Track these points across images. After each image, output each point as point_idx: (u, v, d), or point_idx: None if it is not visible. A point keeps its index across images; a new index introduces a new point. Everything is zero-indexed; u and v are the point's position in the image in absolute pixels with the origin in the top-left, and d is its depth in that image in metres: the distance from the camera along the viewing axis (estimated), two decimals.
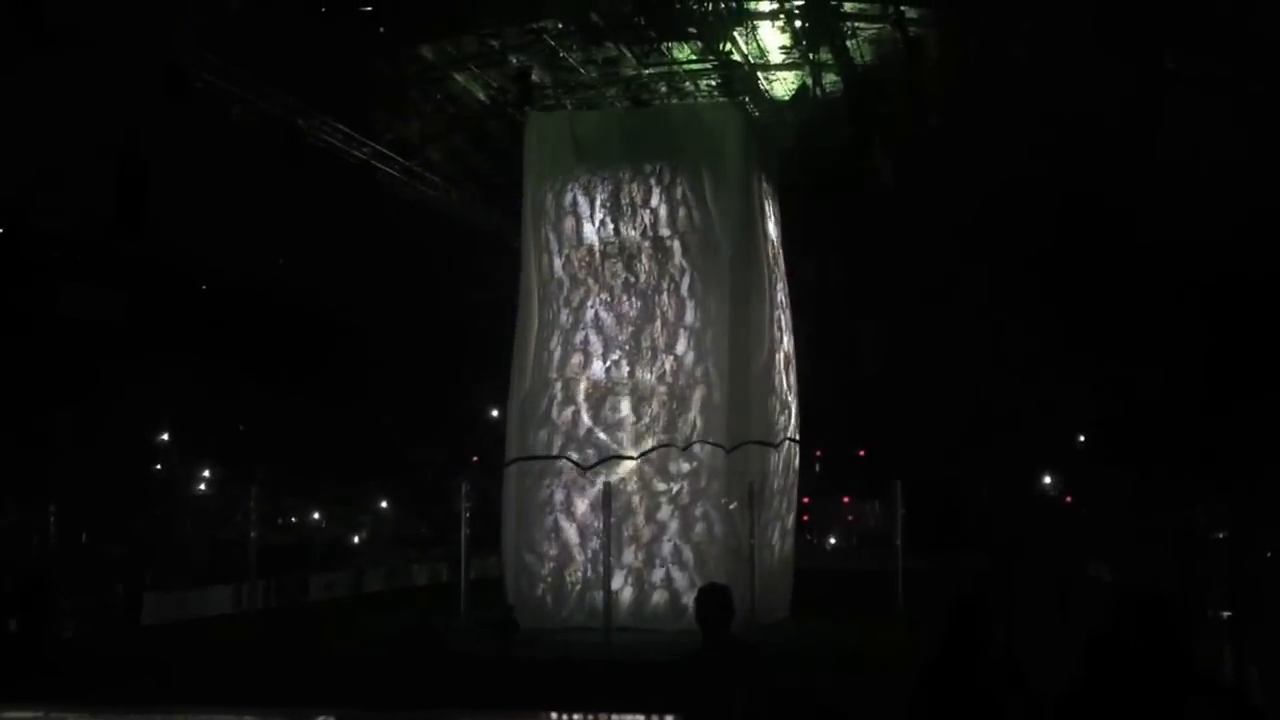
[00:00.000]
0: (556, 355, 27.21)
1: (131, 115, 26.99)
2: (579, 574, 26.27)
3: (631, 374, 26.83)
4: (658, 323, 26.85)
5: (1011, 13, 23.99)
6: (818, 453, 31.03)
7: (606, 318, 27.08)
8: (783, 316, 29.47)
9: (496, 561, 28.04)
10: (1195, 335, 33.86)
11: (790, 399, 29.46)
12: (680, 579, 25.84)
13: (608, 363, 26.97)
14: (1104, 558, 31.28)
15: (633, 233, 27.21)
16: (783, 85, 27.73)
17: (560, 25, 25.18)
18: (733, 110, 27.47)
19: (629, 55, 26.10)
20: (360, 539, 41.98)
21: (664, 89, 27.71)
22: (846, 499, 44.40)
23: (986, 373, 36.74)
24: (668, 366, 26.77)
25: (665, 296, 26.81)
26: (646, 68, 26.68)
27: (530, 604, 25.80)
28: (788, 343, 29.77)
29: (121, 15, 23.82)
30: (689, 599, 25.51)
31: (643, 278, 26.97)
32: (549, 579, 26.40)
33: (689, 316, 26.77)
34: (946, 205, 31.35)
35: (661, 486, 26.27)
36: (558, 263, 27.58)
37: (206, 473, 40.19)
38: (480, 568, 31.58)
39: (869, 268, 35.16)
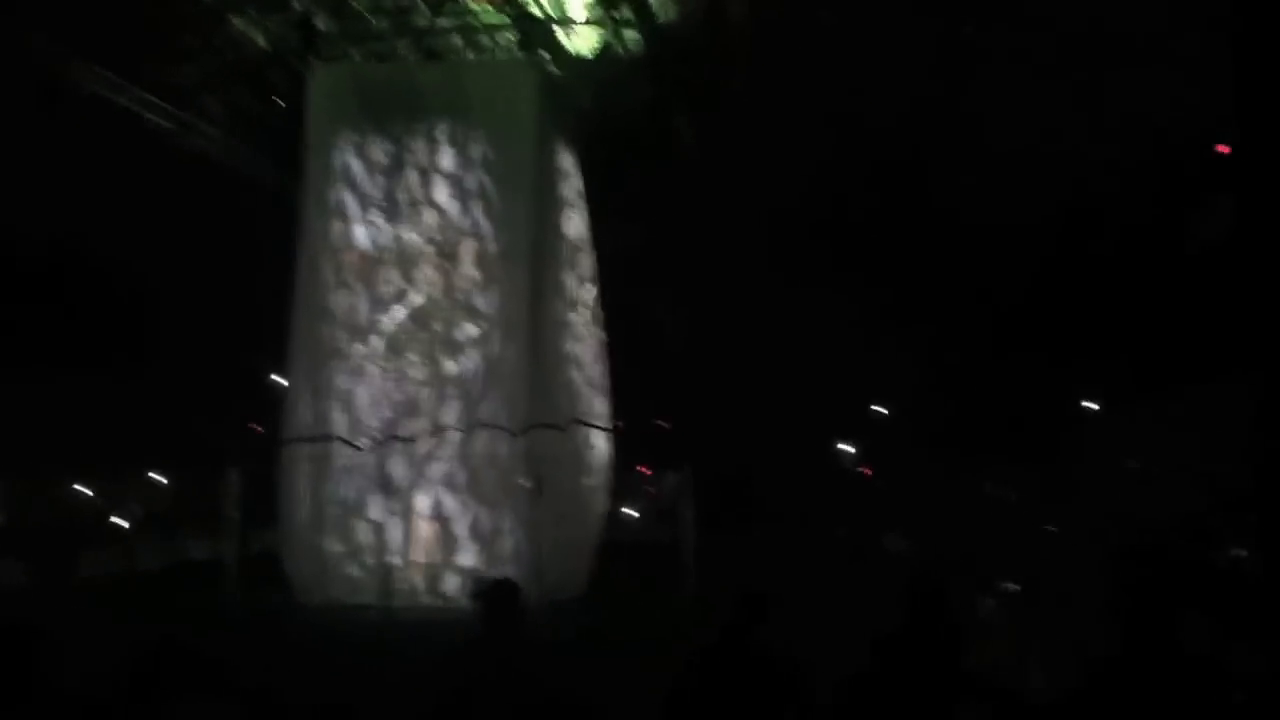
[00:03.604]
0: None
1: None
2: (360, 543, 25.13)
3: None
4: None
5: None
6: (618, 425, 30.32)
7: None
8: (583, 288, 28.54)
9: (275, 535, 26.65)
10: (994, 309, 34.51)
11: (599, 381, 28.69)
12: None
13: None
14: (899, 530, 31.55)
15: (420, 201, 25.96)
16: (584, 42, 26.87)
17: None
18: (530, 68, 26.24)
19: (421, 5, 24.92)
20: (134, 513, 40.02)
21: (459, 43, 26.52)
22: (645, 470, 44.20)
23: (787, 344, 36.74)
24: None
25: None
26: (440, 18, 25.52)
27: (310, 579, 24.65)
28: (593, 316, 28.91)
29: None
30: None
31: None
32: (330, 551, 25.14)
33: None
34: (750, 172, 31.06)
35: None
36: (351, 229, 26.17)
37: None
38: (261, 541, 30.27)
39: (671, 235, 34.65)
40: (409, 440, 24.99)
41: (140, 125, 28.00)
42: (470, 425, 24.82)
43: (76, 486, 40.54)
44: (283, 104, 28.27)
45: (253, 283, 31.63)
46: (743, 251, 35.50)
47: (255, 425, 35.93)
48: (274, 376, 31.13)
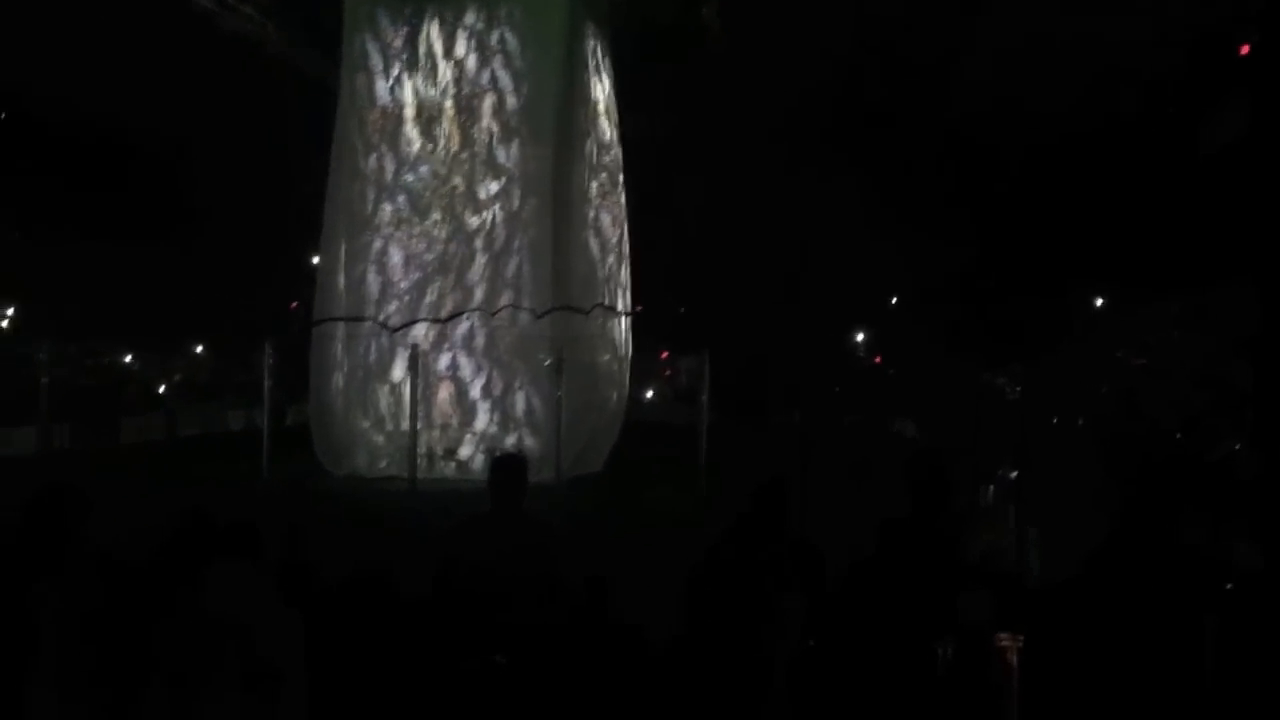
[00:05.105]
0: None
1: None
2: (383, 413, 25.94)
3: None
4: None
5: None
6: (638, 307, 30.83)
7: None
8: (606, 155, 28.58)
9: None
10: (1007, 204, 34.69)
11: (618, 248, 28.87)
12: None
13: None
14: (908, 415, 32.16)
15: (446, 79, 26.18)
16: None
17: None
18: None
19: None
20: (175, 381, 41.03)
21: None
22: (664, 354, 44.80)
23: (806, 232, 37.11)
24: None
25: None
26: None
27: (337, 449, 25.56)
28: (620, 206, 29.05)
29: None
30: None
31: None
32: (355, 421, 25.99)
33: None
34: (776, 63, 31.25)
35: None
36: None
37: (10, 312, 38.93)
38: (297, 415, 31.26)
39: (696, 124, 34.94)
40: (437, 321, 25.54)
41: (185, 5, 28.42)
42: (493, 301, 25.34)
43: (117, 352, 41.45)
44: None
45: (292, 161, 32.28)
46: (766, 141, 35.76)
47: (293, 302, 36.82)
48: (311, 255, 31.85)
